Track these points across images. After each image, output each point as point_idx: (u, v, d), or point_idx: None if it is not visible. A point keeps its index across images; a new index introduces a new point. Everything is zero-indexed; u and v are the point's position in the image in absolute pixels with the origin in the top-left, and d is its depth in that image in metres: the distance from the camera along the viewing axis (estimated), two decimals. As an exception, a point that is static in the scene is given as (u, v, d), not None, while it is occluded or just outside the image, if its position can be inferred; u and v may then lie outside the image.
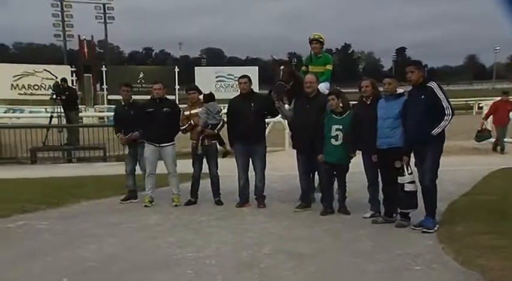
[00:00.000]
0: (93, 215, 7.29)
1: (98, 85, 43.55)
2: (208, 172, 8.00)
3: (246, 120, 7.52)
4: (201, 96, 8.00)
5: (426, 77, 6.10)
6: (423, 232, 5.92)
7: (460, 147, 13.75)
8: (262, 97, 8.05)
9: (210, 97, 7.91)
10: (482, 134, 13.62)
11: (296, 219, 6.93)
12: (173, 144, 7.96)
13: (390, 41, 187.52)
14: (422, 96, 5.94)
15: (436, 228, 5.97)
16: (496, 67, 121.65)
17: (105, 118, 26.57)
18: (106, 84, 37.10)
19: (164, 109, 7.81)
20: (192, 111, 7.85)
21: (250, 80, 7.74)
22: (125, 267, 5.04)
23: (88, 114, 27.35)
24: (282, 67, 7.50)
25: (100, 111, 30.58)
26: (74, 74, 37.61)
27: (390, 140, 6.31)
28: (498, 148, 13.85)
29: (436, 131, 5.85)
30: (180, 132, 8.00)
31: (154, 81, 8.25)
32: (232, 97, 8.13)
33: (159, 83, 8.05)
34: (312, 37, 8.14)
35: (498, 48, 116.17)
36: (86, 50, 41.39)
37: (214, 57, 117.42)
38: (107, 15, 52.97)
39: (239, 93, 7.84)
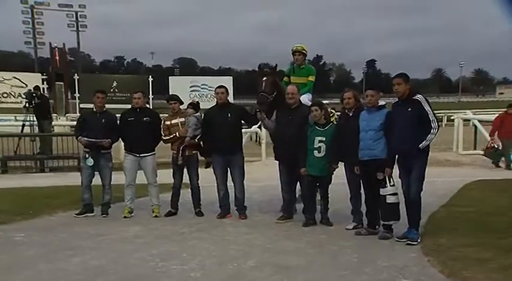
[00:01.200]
0: (71, 227, 7.12)
1: (69, 93, 42.87)
2: (188, 182, 7.89)
3: (222, 131, 7.42)
4: (182, 106, 7.93)
5: (412, 90, 6.13)
6: (407, 244, 5.93)
7: (433, 159, 13.85)
8: (238, 107, 8.02)
9: (198, 107, 7.85)
10: (497, 152, 13.38)
11: (279, 230, 6.87)
12: (153, 154, 7.85)
13: (360, 53, 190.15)
14: (409, 109, 5.96)
15: (419, 240, 5.98)
16: (462, 81, 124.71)
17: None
18: (78, 93, 36.51)
19: (145, 118, 7.72)
20: (173, 121, 7.74)
21: (227, 90, 7.73)
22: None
23: (60, 123, 26.85)
24: (264, 78, 7.45)
25: (72, 120, 30.05)
26: (44, 82, 36.89)
27: (372, 152, 6.31)
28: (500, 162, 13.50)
29: (423, 144, 5.88)
30: (161, 142, 7.88)
31: (135, 90, 8.10)
32: (208, 108, 8.01)
33: (139, 92, 7.95)
34: (294, 48, 8.13)
35: (463, 62, 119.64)
36: (57, 57, 40.60)
37: (187, 66, 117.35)
38: (80, 23, 52.41)
39: (215, 103, 7.73)
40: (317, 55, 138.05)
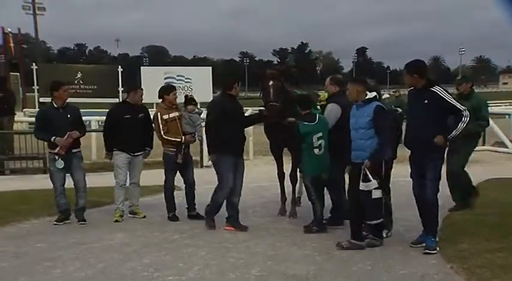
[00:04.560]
0: (47, 235, 7.09)
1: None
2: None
3: (239, 128, 7.28)
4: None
5: (432, 80, 6.15)
6: (425, 253, 5.92)
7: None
8: None
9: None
10: None
11: (280, 236, 6.91)
12: (143, 152, 8.02)
13: (350, 40, 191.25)
14: (426, 101, 5.97)
15: (438, 248, 5.97)
16: (462, 70, 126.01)
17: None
18: (37, 85, 35.98)
19: (140, 115, 7.88)
20: (171, 115, 7.76)
21: None
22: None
23: (17, 119, 26.41)
24: (271, 82, 7.36)
25: (31, 116, 29.59)
26: (-2, 73, 36.26)
27: (364, 154, 6.13)
28: None
29: (453, 134, 5.93)
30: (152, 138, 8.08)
31: (134, 87, 8.18)
32: (216, 98, 7.81)
33: (139, 88, 8.12)
34: None
35: (463, 49, 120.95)
36: (11, 44, 39.86)
37: (157, 55, 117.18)
38: (37, 5, 51.63)
39: (229, 95, 7.28)
40: (302, 43, 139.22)
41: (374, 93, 6.26)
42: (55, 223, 7.65)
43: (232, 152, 7.18)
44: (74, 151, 7.66)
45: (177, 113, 7.78)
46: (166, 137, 7.70)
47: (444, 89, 6.06)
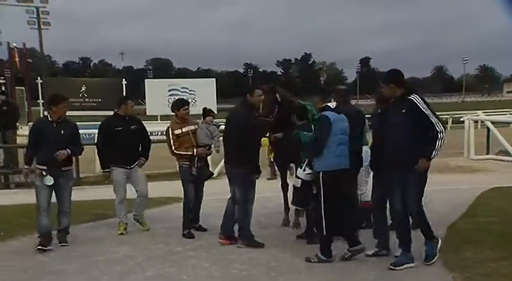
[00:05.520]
0: (50, 249, 7.04)
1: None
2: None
3: (259, 141, 7.21)
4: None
5: (409, 89, 5.87)
6: (426, 261, 5.79)
7: (443, 165, 13.89)
8: None
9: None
10: None
11: (283, 247, 6.88)
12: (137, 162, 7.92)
13: (353, 50, 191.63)
14: (403, 110, 5.71)
15: (437, 251, 5.82)
16: (466, 79, 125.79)
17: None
18: (42, 99, 36.14)
19: (132, 127, 7.80)
20: (184, 130, 7.64)
21: None
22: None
23: (22, 132, 26.50)
24: (262, 97, 7.30)
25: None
26: (2, 87, 36.42)
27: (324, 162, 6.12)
28: None
29: (434, 155, 5.61)
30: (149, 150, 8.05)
31: (123, 99, 8.22)
32: (245, 112, 7.15)
33: (129, 100, 8.09)
34: None
35: (467, 58, 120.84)
36: (17, 59, 40.11)
37: (162, 68, 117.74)
38: (42, 20, 51.94)
39: (250, 107, 7.08)
40: (305, 53, 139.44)
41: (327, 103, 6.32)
42: (38, 248, 6.98)
43: (256, 165, 7.08)
44: (63, 169, 7.20)
45: (191, 127, 7.68)
46: (177, 152, 7.60)
47: (421, 98, 5.74)
